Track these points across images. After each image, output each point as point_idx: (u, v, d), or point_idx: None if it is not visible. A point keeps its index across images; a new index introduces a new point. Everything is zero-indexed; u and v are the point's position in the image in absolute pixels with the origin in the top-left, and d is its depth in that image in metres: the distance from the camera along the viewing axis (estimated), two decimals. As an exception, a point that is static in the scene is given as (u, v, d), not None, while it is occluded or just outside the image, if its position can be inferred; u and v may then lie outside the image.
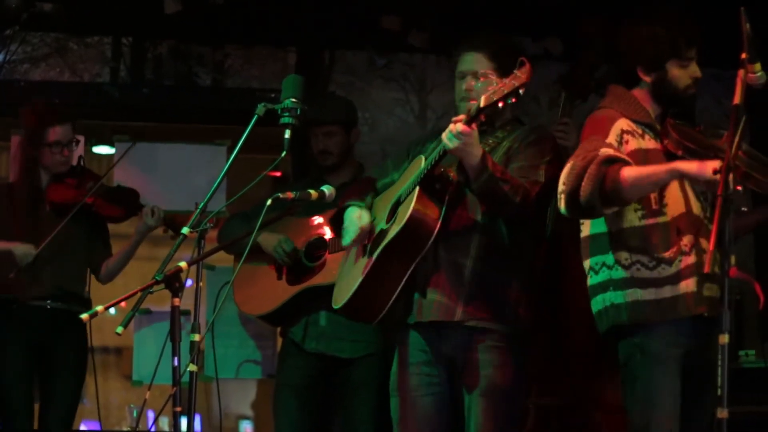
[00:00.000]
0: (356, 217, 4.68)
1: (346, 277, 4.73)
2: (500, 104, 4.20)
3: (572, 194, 4.10)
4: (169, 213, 5.89)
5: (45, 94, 7.19)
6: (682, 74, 4.30)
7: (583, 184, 4.06)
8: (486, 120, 4.43)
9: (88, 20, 7.23)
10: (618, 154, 4.11)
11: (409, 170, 4.63)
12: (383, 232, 4.56)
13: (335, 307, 4.72)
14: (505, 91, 4.18)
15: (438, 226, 4.44)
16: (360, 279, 4.53)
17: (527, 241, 4.61)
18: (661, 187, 4.19)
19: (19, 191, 5.85)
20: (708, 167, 3.84)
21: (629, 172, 4.05)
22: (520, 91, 4.17)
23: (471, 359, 4.51)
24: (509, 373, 4.52)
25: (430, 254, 4.50)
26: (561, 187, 4.16)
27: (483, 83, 4.54)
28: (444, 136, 4.31)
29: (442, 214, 4.46)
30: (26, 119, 5.88)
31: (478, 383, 4.50)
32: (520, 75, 4.17)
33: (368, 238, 4.67)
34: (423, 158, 4.55)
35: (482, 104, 4.23)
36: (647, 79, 4.33)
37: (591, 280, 4.34)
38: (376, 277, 4.52)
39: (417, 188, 4.45)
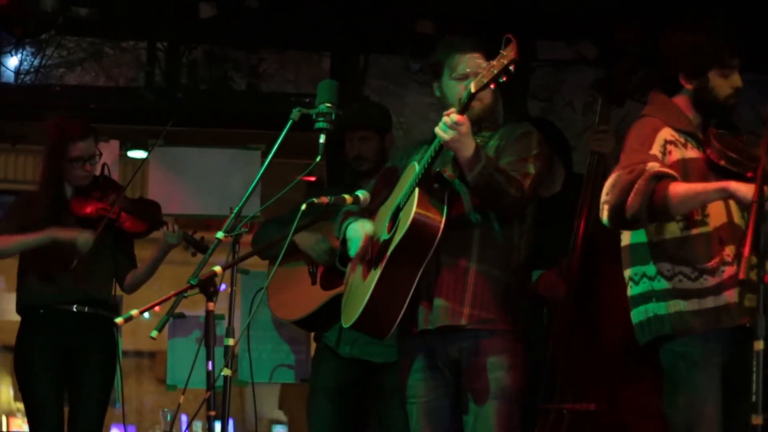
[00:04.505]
0: (359, 227, 4.62)
1: (355, 295, 4.65)
2: (492, 85, 4.19)
3: (617, 207, 4.08)
4: (189, 230, 5.93)
5: (80, 98, 7.21)
6: (724, 84, 4.27)
7: (631, 198, 4.04)
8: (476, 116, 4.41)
9: (124, 25, 7.25)
10: (665, 169, 4.09)
11: (404, 179, 4.59)
12: (387, 242, 4.50)
13: (345, 326, 4.66)
14: (495, 71, 4.15)
15: (443, 226, 4.39)
16: (370, 291, 4.47)
17: (518, 237, 4.59)
18: None
19: (40, 203, 5.85)
20: None
21: (678, 189, 4.02)
22: (511, 68, 4.13)
23: (478, 363, 4.50)
24: (518, 375, 4.52)
25: (432, 259, 4.46)
26: (604, 197, 4.14)
27: None
28: (438, 129, 4.29)
29: (445, 214, 4.42)
30: (49, 133, 5.86)
31: (488, 386, 4.48)
32: (507, 53, 4.13)
33: (372, 251, 4.60)
34: (416, 164, 4.51)
35: (473, 89, 4.23)
36: (689, 86, 4.29)
37: (631, 291, 4.32)
38: (386, 287, 4.45)
39: (416, 190, 4.41)
